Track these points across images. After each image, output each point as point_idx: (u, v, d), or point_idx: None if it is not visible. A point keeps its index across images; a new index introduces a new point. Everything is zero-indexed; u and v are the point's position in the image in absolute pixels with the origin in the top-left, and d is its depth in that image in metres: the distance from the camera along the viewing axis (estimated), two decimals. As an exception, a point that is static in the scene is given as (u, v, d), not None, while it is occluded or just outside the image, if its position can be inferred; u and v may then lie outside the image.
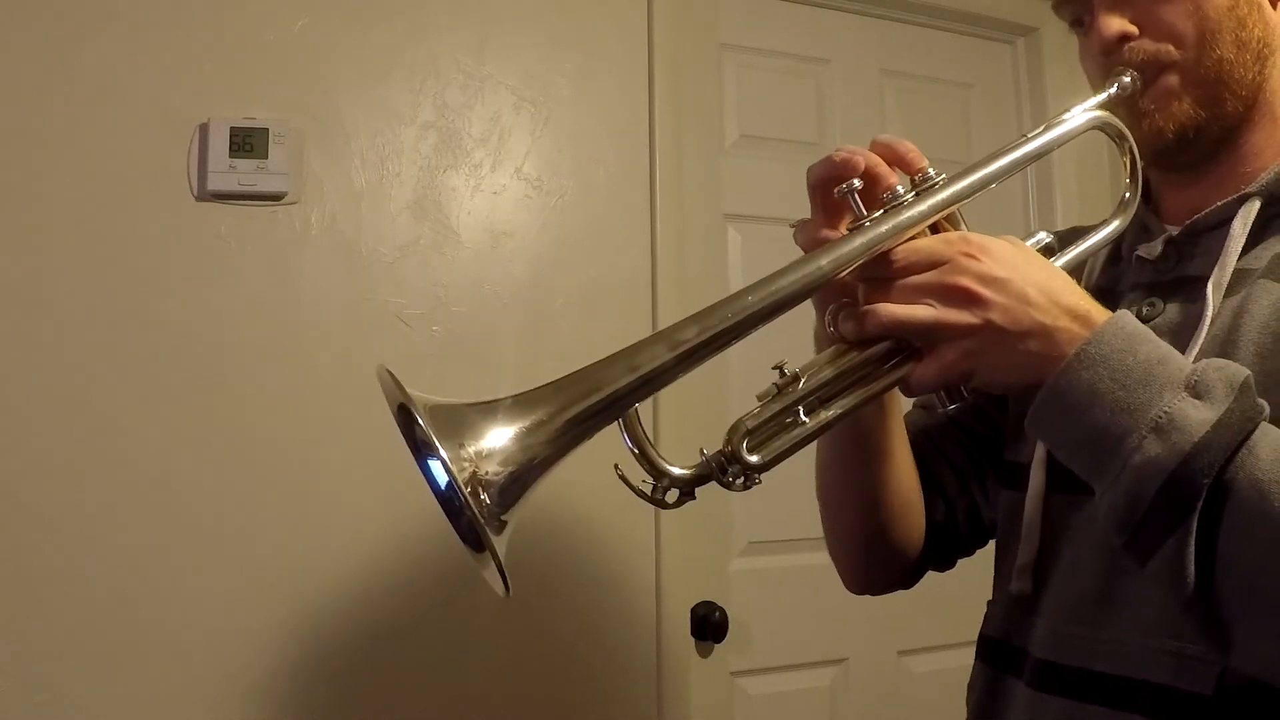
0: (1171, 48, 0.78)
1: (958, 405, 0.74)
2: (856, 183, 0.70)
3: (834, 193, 0.71)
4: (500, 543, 0.59)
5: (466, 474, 0.58)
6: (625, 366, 0.64)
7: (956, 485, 0.94)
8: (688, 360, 0.65)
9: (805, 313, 0.75)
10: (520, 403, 0.62)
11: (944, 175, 0.72)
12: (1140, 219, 0.84)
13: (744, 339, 0.67)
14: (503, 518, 0.60)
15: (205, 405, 1.39)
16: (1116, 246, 0.86)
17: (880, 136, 0.75)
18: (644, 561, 1.60)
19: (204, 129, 1.42)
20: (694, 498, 0.69)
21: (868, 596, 0.99)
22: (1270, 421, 0.61)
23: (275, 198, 1.45)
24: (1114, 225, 0.81)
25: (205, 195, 1.42)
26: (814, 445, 0.84)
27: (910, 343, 0.69)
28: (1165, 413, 0.60)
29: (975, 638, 0.88)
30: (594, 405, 0.63)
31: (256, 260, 1.44)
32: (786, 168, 1.76)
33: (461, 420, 0.61)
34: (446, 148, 1.56)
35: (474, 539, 0.59)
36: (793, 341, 0.83)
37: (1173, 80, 0.78)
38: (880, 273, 0.69)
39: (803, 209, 0.76)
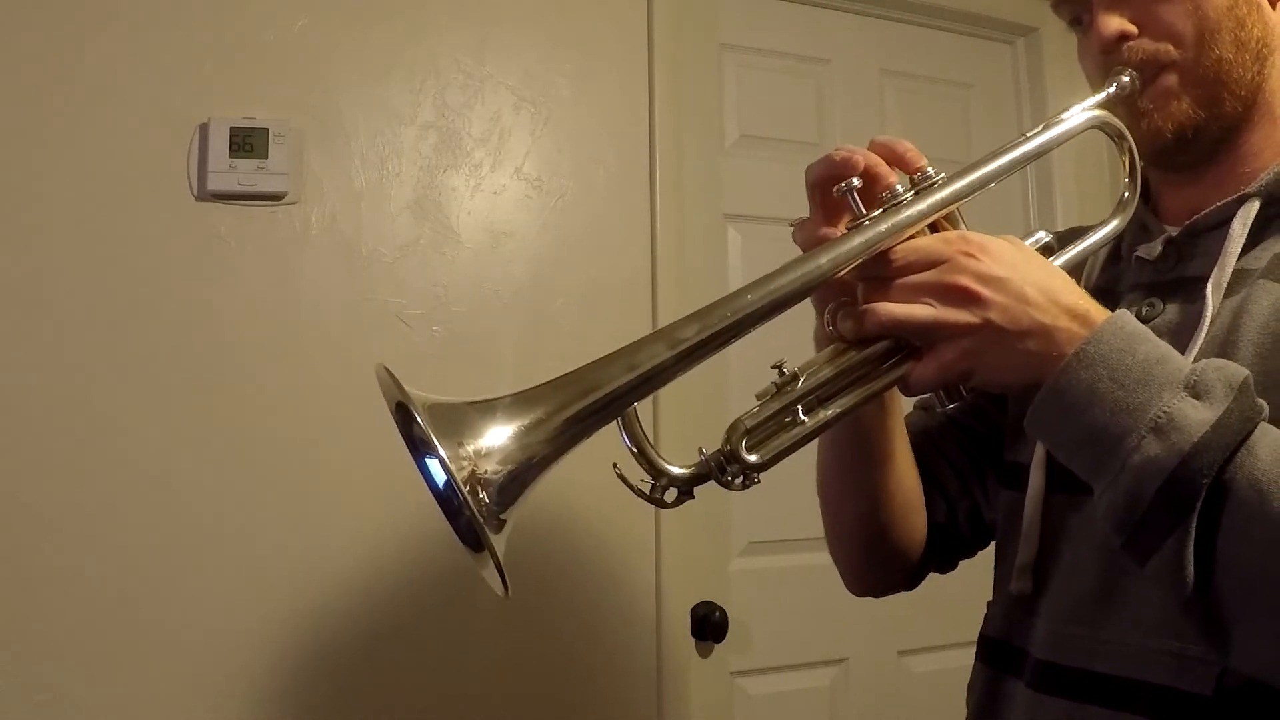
0: (1170, 47, 0.78)
1: (957, 405, 0.73)
2: (856, 181, 0.70)
3: (833, 192, 0.71)
4: (499, 542, 0.59)
5: (465, 473, 0.58)
6: (624, 365, 0.64)
7: (958, 486, 0.94)
8: (687, 359, 0.65)
9: (805, 311, 0.75)
10: (519, 401, 0.62)
11: (943, 174, 0.72)
12: (1139, 219, 0.84)
13: (743, 338, 0.66)
14: (501, 516, 0.60)
15: (205, 405, 1.39)
16: (1116, 246, 0.86)
17: (879, 137, 0.75)
18: (644, 561, 1.60)
19: (204, 129, 1.42)
20: (693, 497, 0.69)
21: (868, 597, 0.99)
22: (1270, 421, 0.61)
23: (275, 198, 1.45)
24: (1113, 225, 0.81)
25: (205, 195, 1.42)
26: (815, 446, 0.84)
27: (909, 342, 0.69)
28: (1165, 413, 0.60)
29: (975, 638, 0.88)
30: (593, 404, 0.63)
31: (256, 260, 1.44)
32: (786, 168, 1.76)
33: (460, 419, 0.60)
34: (446, 148, 1.56)
35: (473, 538, 0.59)
36: (792, 340, 0.83)
37: (1172, 80, 0.78)
38: (879, 272, 0.69)
39: (802, 209, 0.76)
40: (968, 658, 0.89)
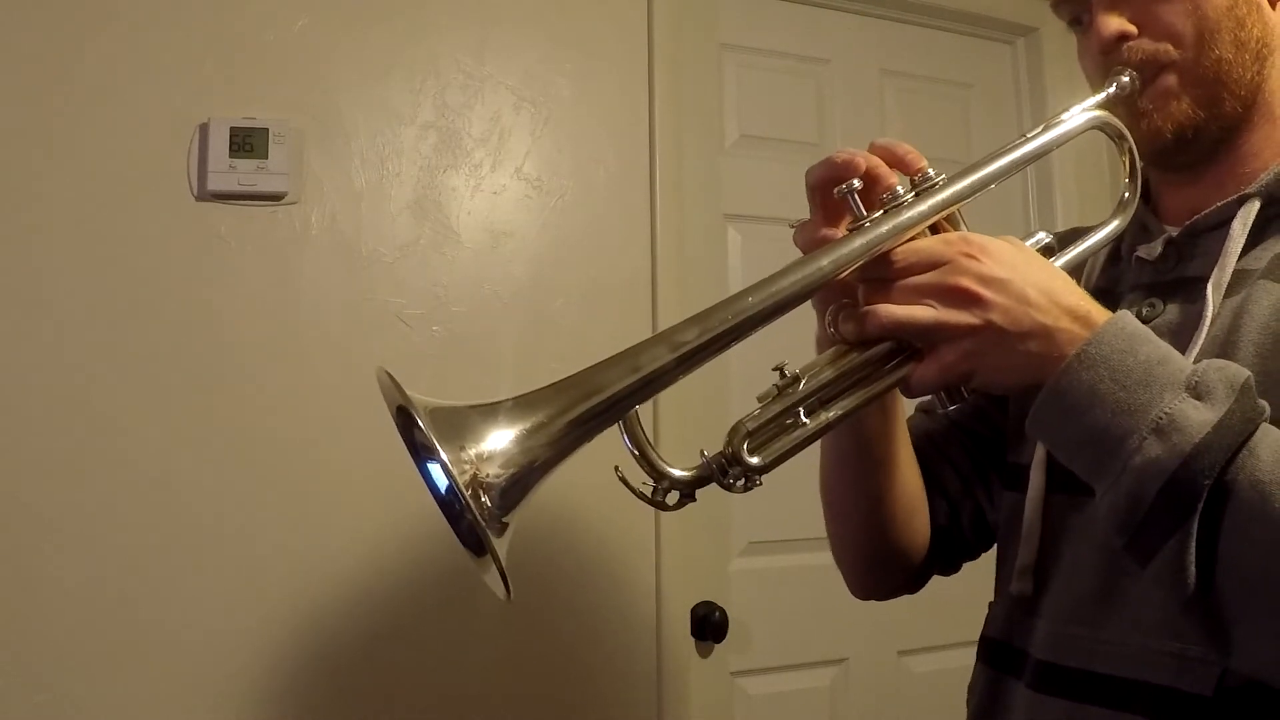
0: (1170, 47, 0.78)
1: (958, 406, 0.73)
2: (856, 183, 0.70)
3: (834, 193, 0.71)
4: (501, 545, 0.59)
5: (467, 476, 0.58)
6: (626, 368, 0.64)
7: (960, 488, 0.94)
8: (688, 362, 0.65)
9: (806, 314, 0.75)
10: (521, 404, 0.62)
11: (943, 175, 0.72)
12: (1140, 219, 0.84)
13: (744, 340, 0.66)
14: (503, 520, 0.60)
15: (205, 405, 1.39)
16: (1116, 247, 0.86)
17: (879, 139, 0.75)
18: (644, 562, 1.60)
19: (204, 129, 1.42)
20: (694, 499, 0.69)
21: (868, 597, 0.99)
22: (1270, 422, 0.61)
23: (275, 198, 1.45)
24: (1113, 225, 0.81)
25: (205, 195, 1.42)
26: (817, 449, 0.84)
27: (911, 343, 0.69)
28: (1166, 414, 0.60)
29: (975, 638, 0.88)
30: (595, 407, 0.63)
31: (256, 260, 1.44)
32: (786, 168, 1.76)
33: (462, 422, 0.60)
34: (446, 148, 1.56)
35: (475, 542, 0.58)
36: (793, 343, 0.83)
37: (1171, 80, 0.78)
38: (880, 273, 0.69)
39: (803, 209, 0.76)
40: (968, 658, 0.89)
